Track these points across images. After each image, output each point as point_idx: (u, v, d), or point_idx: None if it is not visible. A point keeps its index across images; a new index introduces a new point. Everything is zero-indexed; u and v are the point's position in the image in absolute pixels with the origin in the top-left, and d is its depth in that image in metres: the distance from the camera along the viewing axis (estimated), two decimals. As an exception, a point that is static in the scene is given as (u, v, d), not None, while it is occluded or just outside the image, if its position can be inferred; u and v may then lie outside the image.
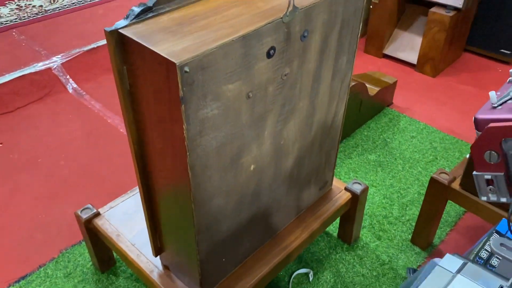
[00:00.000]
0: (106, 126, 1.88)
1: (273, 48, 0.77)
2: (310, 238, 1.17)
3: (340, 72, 1.01)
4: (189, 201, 0.80)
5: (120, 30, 0.69)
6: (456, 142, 1.78)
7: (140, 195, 0.92)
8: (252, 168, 0.91)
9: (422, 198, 1.53)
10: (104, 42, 2.26)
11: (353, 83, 1.67)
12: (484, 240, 0.99)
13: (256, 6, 0.78)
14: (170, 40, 0.68)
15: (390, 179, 1.61)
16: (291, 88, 0.88)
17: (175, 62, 0.63)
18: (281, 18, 0.76)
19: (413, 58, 2.24)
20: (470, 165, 1.14)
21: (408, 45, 2.29)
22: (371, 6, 2.27)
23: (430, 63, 2.17)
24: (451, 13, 2.03)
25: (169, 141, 0.75)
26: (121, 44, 0.70)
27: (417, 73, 2.23)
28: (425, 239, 1.34)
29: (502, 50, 2.26)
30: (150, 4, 0.73)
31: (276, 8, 0.78)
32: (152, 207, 0.94)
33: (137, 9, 0.72)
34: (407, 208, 1.50)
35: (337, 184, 1.29)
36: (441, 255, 1.34)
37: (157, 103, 0.72)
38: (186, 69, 0.64)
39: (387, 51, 2.33)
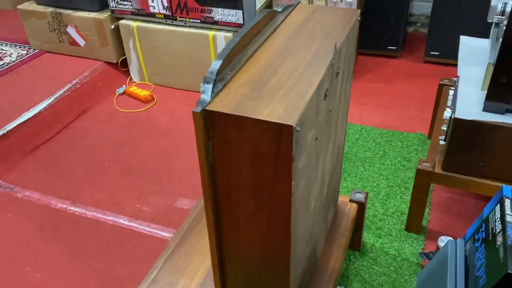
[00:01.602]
0: (57, 214, 1.69)
1: (327, 90, 0.83)
2: (343, 256, 1.23)
3: (347, 97, 1.10)
4: (286, 258, 0.81)
5: (208, 108, 0.68)
6: (392, 134, 2.00)
7: (215, 273, 0.88)
8: (312, 206, 0.94)
9: (394, 189, 1.70)
10: (18, 121, 2.03)
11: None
12: (492, 210, 1.16)
13: (301, 56, 0.83)
14: (264, 106, 0.69)
15: (359, 181, 1.75)
16: (332, 123, 0.95)
17: (292, 124, 0.64)
18: (331, 62, 0.81)
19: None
20: (450, 150, 1.32)
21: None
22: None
23: (340, 71, 2.41)
24: (348, 25, 2.29)
25: (267, 202, 0.75)
26: (210, 121, 0.69)
27: (330, 82, 2.45)
28: (417, 224, 1.50)
29: (389, 47, 2.61)
30: (213, 76, 0.73)
31: (319, 53, 0.83)
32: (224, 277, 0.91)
33: (209, 85, 0.71)
34: (387, 202, 1.65)
35: (340, 198, 1.37)
36: (436, 234, 1.52)
37: (255, 169, 0.72)
38: (298, 128, 0.66)
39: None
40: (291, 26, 0.94)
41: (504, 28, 1.15)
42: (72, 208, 1.71)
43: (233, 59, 0.80)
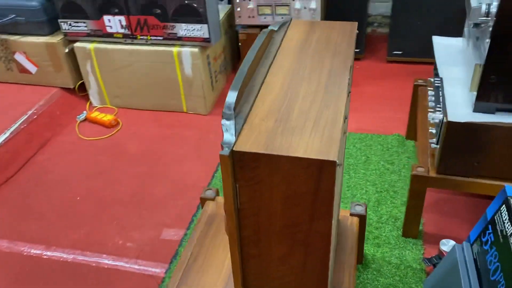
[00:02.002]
0: (31, 261, 1.54)
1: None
2: (355, 276, 1.18)
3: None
4: (323, 293, 0.75)
5: (236, 149, 0.61)
6: (371, 137, 2.00)
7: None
8: (333, 234, 0.89)
9: (383, 195, 1.68)
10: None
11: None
12: (497, 211, 1.15)
13: (316, 79, 0.77)
14: (296, 141, 0.62)
15: (348, 190, 1.72)
16: (344, 144, 0.90)
17: (334, 159, 0.58)
18: (347, 90, 0.77)
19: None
20: (444, 153, 1.31)
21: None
22: (240, 44, 2.37)
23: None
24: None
25: (302, 242, 0.69)
26: (239, 162, 0.62)
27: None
28: (415, 229, 1.49)
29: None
30: (231, 111, 0.66)
31: (333, 74, 0.78)
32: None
33: (230, 122, 0.64)
34: (379, 209, 1.63)
35: (341, 213, 1.33)
36: (434, 236, 1.51)
37: (289, 209, 0.65)
38: (338, 162, 0.60)
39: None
40: (293, 45, 0.88)
41: (491, 29, 1.15)
42: (48, 253, 1.57)
43: (245, 88, 0.73)
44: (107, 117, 2.22)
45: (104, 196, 1.79)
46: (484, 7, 1.16)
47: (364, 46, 2.65)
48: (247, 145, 0.62)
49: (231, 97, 0.67)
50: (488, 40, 1.17)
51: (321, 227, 0.66)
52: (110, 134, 2.16)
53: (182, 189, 1.80)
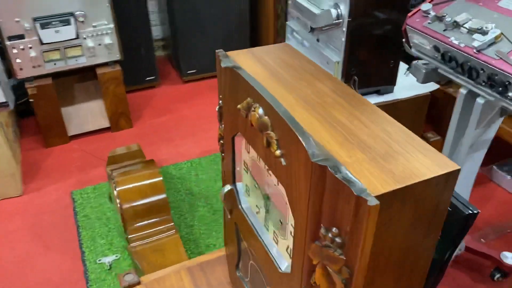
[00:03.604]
0: None
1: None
2: None
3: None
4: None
5: (379, 193, 0.52)
6: (216, 156, 1.98)
7: None
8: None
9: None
10: None
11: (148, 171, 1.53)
12: None
13: (338, 104, 0.72)
14: (407, 163, 0.58)
15: (235, 213, 1.67)
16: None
17: (459, 167, 0.57)
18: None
19: (104, 123, 2.15)
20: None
21: (92, 114, 2.16)
22: (31, 100, 1.94)
23: (123, 117, 2.17)
24: (116, 67, 2.07)
25: (410, 266, 0.65)
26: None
27: (117, 132, 2.17)
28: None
29: (148, 78, 2.51)
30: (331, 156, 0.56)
31: (348, 97, 0.75)
32: None
33: (347, 172, 0.54)
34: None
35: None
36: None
37: (409, 235, 0.60)
38: (451, 169, 0.59)
39: (73, 131, 2.11)
40: (267, 78, 0.80)
41: (344, 29, 1.31)
42: None
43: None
44: None
45: None
46: (334, 12, 1.31)
47: (158, 72, 2.58)
48: (379, 187, 0.54)
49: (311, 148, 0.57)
50: (343, 39, 1.33)
51: (429, 243, 0.64)
52: None
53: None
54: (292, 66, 0.83)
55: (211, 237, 1.56)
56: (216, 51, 0.86)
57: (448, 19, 0.99)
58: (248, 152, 0.82)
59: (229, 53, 0.88)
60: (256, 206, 0.86)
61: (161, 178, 1.45)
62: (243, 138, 0.83)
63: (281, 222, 0.76)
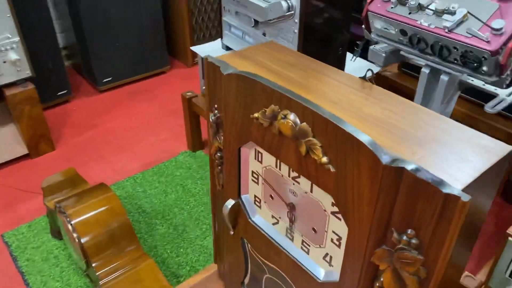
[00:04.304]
0: None
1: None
2: None
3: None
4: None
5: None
6: (165, 166, 1.85)
7: None
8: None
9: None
10: None
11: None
12: None
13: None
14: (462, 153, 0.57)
15: (198, 229, 1.58)
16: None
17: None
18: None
19: (21, 150, 1.89)
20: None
21: (4, 143, 1.87)
22: None
23: (44, 140, 1.92)
24: (29, 86, 1.82)
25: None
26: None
27: (38, 158, 1.92)
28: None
29: (59, 93, 2.26)
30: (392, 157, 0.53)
31: (365, 89, 0.72)
32: None
33: (427, 171, 0.51)
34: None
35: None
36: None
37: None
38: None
39: (-16, 165, 1.82)
40: (277, 81, 0.74)
41: (297, 20, 1.29)
42: None
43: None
44: None
45: None
46: (284, 3, 1.28)
47: (70, 85, 2.33)
48: (457, 178, 0.52)
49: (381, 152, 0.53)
50: (296, 31, 1.31)
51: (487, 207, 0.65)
52: None
53: None
54: (292, 64, 0.79)
55: (179, 255, 1.46)
56: (204, 56, 0.78)
57: (412, 2, 1.01)
58: (261, 162, 0.76)
59: (220, 56, 0.80)
60: (273, 216, 0.80)
61: (118, 201, 1.31)
62: (252, 148, 0.77)
63: (314, 230, 0.71)
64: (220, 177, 0.88)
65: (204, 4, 2.54)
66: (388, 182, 0.53)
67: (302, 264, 0.75)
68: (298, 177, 0.69)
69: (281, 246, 0.78)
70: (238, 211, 0.86)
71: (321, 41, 1.35)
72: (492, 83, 0.98)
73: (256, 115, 0.68)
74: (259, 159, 0.76)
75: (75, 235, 1.23)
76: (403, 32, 1.06)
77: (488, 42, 0.91)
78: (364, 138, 0.54)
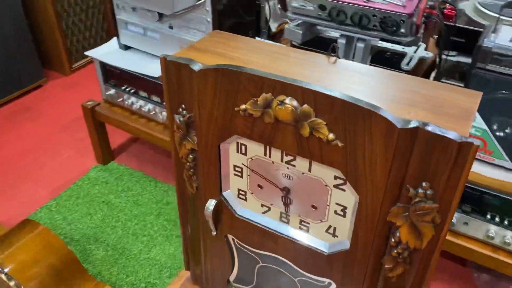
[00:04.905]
0: None
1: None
2: None
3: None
4: None
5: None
6: (72, 191, 1.69)
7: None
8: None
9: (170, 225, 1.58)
10: None
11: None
12: None
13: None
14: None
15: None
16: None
17: (478, 93, 0.66)
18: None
19: None
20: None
21: None
22: None
23: None
24: None
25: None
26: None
27: None
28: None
29: None
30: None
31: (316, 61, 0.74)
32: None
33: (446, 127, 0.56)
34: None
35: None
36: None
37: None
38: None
39: None
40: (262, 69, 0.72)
41: (209, 9, 1.27)
42: None
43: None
44: None
45: None
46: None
47: None
48: (458, 128, 0.57)
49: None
50: (209, 19, 1.29)
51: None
52: None
53: None
54: (251, 50, 0.78)
55: (129, 274, 1.36)
56: (161, 56, 0.73)
57: (328, -23, 1.07)
58: (245, 154, 0.75)
59: (177, 53, 0.76)
60: (262, 205, 0.80)
61: (53, 234, 1.17)
62: (233, 142, 0.75)
63: (314, 207, 0.73)
64: (192, 180, 0.84)
65: (72, 6, 2.33)
66: (404, 144, 0.57)
67: (303, 243, 0.77)
68: (293, 159, 0.70)
69: (277, 232, 0.79)
70: (221, 210, 0.84)
71: (233, 26, 1.35)
72: (408, 43, 1.09)
73: (243, 106, 0.67)
74: (243, 151, 0.75)
75: (12, 283, 1.07)
76: (321, 7, 1.11)
77: (404, 6, 1.01)
78: (372, 106, 0.57)
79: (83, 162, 1.82)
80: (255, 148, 0.73)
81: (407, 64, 1.18)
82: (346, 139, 0.61)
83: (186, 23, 1.34)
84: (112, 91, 1.61)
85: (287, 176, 0.73)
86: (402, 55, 1.29)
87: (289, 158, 0.70)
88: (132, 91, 1.55)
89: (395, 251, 0.67)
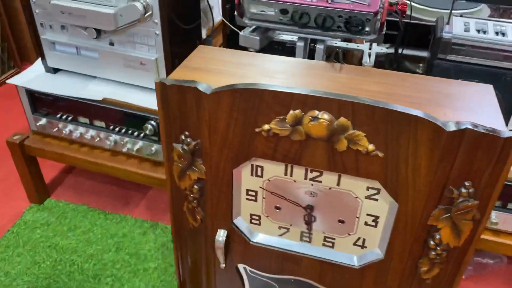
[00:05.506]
0: None
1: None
2: None
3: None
4: None
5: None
6: (8, 238, 1.47)
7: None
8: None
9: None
10: None
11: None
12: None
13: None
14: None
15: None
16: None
17: (488, 86, 0.67)
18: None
19: None
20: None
21: None
22: None
23: None
24: None
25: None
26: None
27: None
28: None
29: None
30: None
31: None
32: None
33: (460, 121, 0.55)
34: (143, 256, 1.41)
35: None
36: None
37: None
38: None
39: None
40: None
41: (158, 20, 1.17)
42: None
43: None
44: None
45: None
46: (139, 5, 1.14)
47: None
48: (494, 122, 0.57)
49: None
50: (158, 31, 1.19)
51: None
52: None
53: None
54: (248, 64, 0.73)
55: (100, 321, 1.21)
56: (158, 80, 0.65)
57: (288, -19, 1.04)
58: (261, 176, 0.69)
59: (172, 76, 0.68)
60: (280, 227, 0.75)
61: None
62: (246, 166, 0.69)
63: (341, 222, 0.70)
64: (196, 212, 0.76)
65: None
66: (451, 146, 0.56)
67: (330, 260, 0.73)
68: (319, 175, 0.66)
69: (299, 253, 0.74)
70: (231, 239, 0.77)
71: (182, 37, 1.27)
72: (372, 40, 1.11)
73: (266, 127, 0.61)
74: (259, 174, 0.69)
75: None
76: (283, 11, 1.08)
77: (369, 5, 1.01)
78: (418, 113, 0.55)
79: (13, 204, 1.59)
80: (273, 169, 0.68)
81: (368, 61, 1.20)
82: (387, 149, 0.58)
83: (130, 37, 1.22)
84: (43, 121, 1.42)
85: (311, 194, 0.69)
86: (355, 52, 1.31)
87: (315, 174, 0.66)
88: (69, 118, 1.38)
89: (433, 252, 0.66)
